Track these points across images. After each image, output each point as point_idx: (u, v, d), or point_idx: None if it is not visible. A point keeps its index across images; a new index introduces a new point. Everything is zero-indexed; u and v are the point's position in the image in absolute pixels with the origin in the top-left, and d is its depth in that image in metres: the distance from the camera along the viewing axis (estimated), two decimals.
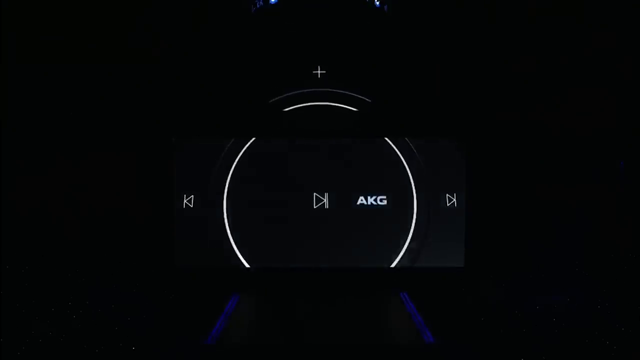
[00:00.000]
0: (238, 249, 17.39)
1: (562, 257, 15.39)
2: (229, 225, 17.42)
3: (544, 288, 13.76)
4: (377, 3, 17.21)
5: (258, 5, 17.12)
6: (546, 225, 16.67)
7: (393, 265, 17.28)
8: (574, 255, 15.16)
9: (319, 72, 17.49)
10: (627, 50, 15.54)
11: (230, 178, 17.47)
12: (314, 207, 17.35)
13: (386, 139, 17.47)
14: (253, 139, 17.48)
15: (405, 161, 17.43)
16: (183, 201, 17.20)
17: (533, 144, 16.78)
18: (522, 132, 16.81)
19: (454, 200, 17.12)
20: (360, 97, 17.51)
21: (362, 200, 17.35)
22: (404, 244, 17.31)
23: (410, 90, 17.17)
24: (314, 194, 17.38)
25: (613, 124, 16.17)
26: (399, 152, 17.47)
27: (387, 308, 15.71)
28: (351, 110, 17.58)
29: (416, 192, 17.33)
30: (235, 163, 17.48)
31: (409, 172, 17.40)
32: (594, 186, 16.48)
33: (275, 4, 17.13)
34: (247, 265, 17.40)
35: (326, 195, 17.39)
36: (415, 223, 17.29)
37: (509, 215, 16.74)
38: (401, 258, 17.34)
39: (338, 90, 17.53)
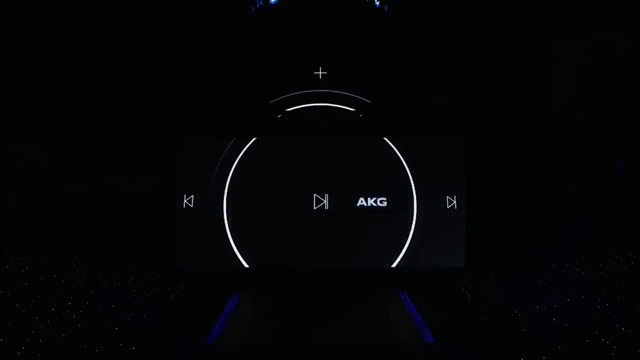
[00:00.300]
0: (238, 249, 17.40)
1: (562, 257, 15.38)
2: (228, 225, 17.45)
3: (544, 288, 13.76)
4: (377, 3, 17.22)
5: (258, 5, 17.13)
6: (546, 225, 16.69)
7: (393, 265, 17.43)
8: (574, 255, 15.15)
9: (320, 73, 17.49)
10: (626, 51, 15.54)
11: (230, 178, 17.51)
12: (314, 207, 17.38)
13: (387, 140, 17.53)
14: (253, 139, 17.65)
15: (406, 163, 17.44)
16: (183, 201, 17.22)
17: (533, 144, 16.78)
18: (522, 132, 16.82)
19: (454, 202, 17.12)
20: (360, 98, 17.53)
21: (362, 201, 17.37)
22: (404, 244, 17.32)
23: (410, 90, 17.18)
24: (314, 194, 17.41)
25: (613, 124, 16.17)
26: (399, 154, 17.48)
27: (387, 308, 15.72)
28: (352, 111, 17.60)
29: (416, 194, 17.35)
30: (235, 163, 17.51)
31: (409, 173, 17.40)
32: (594, 186, 16.48)
33: (275, 4, 17.14)
34: (246, 266, 17.48)
35: (326, 196, 17.40)
36: (415, 225, 17.30)
37: (509, 215, 16.74)
38: (401, 258, 17.41)
39: (338, 92, 17.54)
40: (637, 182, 15.86)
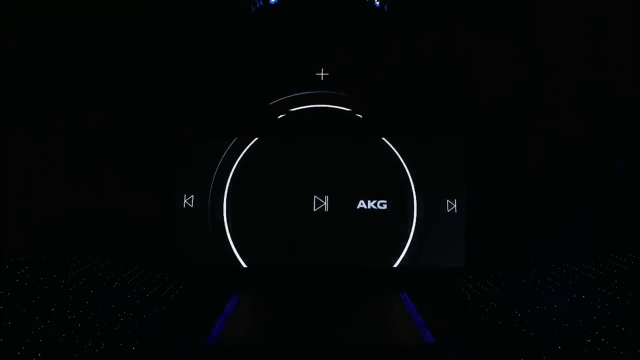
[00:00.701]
0: (238, 249, 17.39)
1: (562, 257, 15.38)
2: (229, 225, 17.43)
3: (544, 288, 13.76)
4: (377, 3, 17.21)
5: (258, 5, 17.12)
6: (546, 225, 16.67)
7: (393, 265, 17.27)
8: (574, 255, 15.15)
9: (322, 74, 17.46)
10: (626, 51, 15.54)
11: (231, 179, 17.50)
12: (314, 209, 17.36)
13: (388, 142, 17.49)
14: (254, 140, 17.60)
15: (406, 165, 17.40)
16: (183, 201, 17.23)
17: (533, 144, 16.77)
18: (522, 133, 16.81)
19: (455, 204, 17.11)
20: (361, 99, 17.46)
21: (362, 204, 17.34)
22: (404, 246, 17.28)
23: (410, 91, 17.14)
24: (314, 196, 17.39)
25: (613, 124, 16.17)
26: (399, 156, 17.44)
27: (387, 308, 15.72)
28: (353, 112, 17.55)
29: (416, 197, 17.32)
30: (235, 164, 17.50)
31: (409, 176, 17.36)
32: (594, 186, 16.48)
33: (275, 4, 17.13)
34: (246, 266, 17.44)
35: (326, 198, 17.38)
36: (416, 227, 17.25)
37: (509, 215, 16.72)
38: (401, 259, 17.35)
39: (340, 93, 17.48)
40: (637, 182, 15.86)
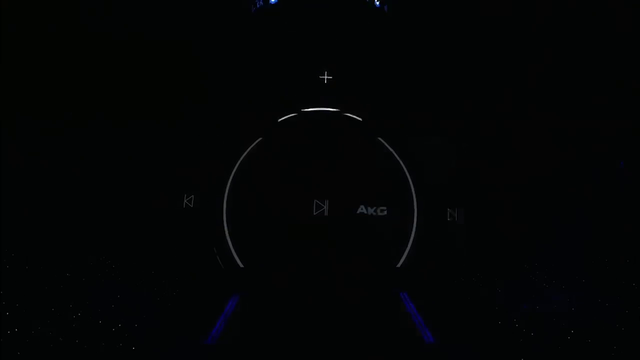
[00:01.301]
0: (237, 249, 17.39)
1: (562, 258, 15.38)
2: (229, 226, 17.45)
3: (545, 288, 13.75)
4: (377, 3, 17.21)
5: (258, 5, 17.13)
6: (546, 225, 16.68)
7: (395, 266, 17.45)
8: (574, 255, 15.15)
9: (325, 77, 17.46)
10: (626, 50, 15.54)
11: (232, 179, 17.52)
12: (314, 213, 17.37)
13: (389, 147, 17.52)
14: (255, 141, 17.62)
15: (407, 170, 17.40)
16: (183, 201, 17.25)
17: (533, 144, 16.78)
18: (522, 133, 16.83)
19: (455, 208, 17.13)
20: (363, 101, 17.47)
21: (362, 209, 17.35)
22: (404, 250, 17.29)
23: (411, 93, 17.17)
24: (315, 200, 17.41)
25: (613, 124, 16.17)
26: (400, 160, 17.44)
27: (387, 308, 15.71)
28: (355, 115, 17.56)
29: (417, 201, 17.33)
30: (237, 165, 17.51)
31: (410, 181, 17.37)
32: (594, 186, 16.49)
33: (275, 4, 17.14)
34: (246, 266, 17.46)
35: (326, 202, 17.40)
36: (416, 232, 17.27)
37: (508, 215, 16.74)
38: (402, 261, 17.36)
39: (343, 95, 17.48)
40: (637, 182, 15.86)
